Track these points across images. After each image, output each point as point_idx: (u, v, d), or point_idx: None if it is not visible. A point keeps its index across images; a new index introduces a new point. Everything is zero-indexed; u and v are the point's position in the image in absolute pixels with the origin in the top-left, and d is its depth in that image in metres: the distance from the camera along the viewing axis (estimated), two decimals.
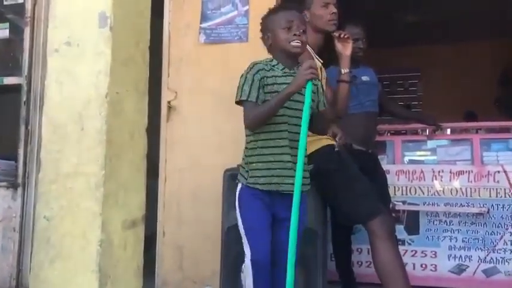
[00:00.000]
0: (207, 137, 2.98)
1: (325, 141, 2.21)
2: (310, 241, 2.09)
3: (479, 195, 3.12)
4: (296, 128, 1.79)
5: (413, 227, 3.21)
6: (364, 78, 2.86)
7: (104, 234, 1.74)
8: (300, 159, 1.70)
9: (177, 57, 3.09)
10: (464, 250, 3.11)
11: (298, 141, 1.74)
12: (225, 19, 3.01)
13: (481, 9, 5.23)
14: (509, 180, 3.08)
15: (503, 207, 3.08)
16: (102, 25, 1.85)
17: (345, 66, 2.25)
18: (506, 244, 3.06)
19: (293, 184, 1.74)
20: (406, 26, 5.82)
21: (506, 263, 3.04)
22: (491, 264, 3.07)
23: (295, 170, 1.73)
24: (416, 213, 3.22)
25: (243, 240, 1.88)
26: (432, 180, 3.21)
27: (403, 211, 3.22)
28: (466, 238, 3.12)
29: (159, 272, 2.98)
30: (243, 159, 1.94)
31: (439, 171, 3.20)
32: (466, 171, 3.16)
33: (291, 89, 1.77)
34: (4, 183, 2.93)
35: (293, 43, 1.87)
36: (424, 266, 3.16)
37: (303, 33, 1.88)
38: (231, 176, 2.35)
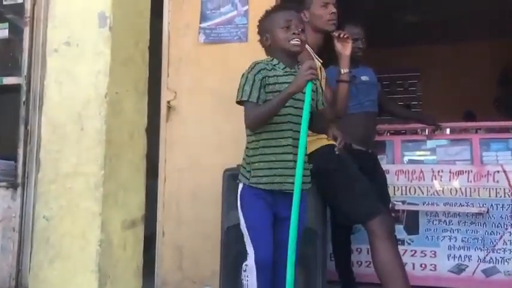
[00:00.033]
0: (207, 137, 2.98)
1: (325, 141, 2.21)
2: (310, 241, 2.09)
3: (478, 195, 3.12)
4: (299, 127, 1.79)
5: (412, 227, 3.21)
6: (364, 78, 2.86)
7: (103, 234, 1.74)
8: (300, 158, 1.70)
9: (177, 57, 3.09)
10: (464, 250, 3.12)
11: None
12: (225, 19, 3.01)
13: (480, 9, 5.23)
14: (508, 180, 3.08)
15: (502, 207, 3.08)
16: (101, 25, 1.84)
17: (345, 66, 2.26)
18: (506, 244, 3.06)
19: (302, 183, 1.77)
20: (406, 26, 5.83)
21: (506, 263, 3.04)
22: (491, 264, 3.07)
23: (305, 169, 1.78)
24: (416, 213, 3.22)
25: (245, 240, 1.88)
26: (432, 180, 3.21)
27: (403, 211, 3.23)
28: (465, 238, 3.13)
29: (158, 272, 2.98)
30: (243, 159, 1.94)
31: (438, 171, 3.20)
32: (466, 171, 3.16)
33: (292, 89, 1.78)
34: (4, 183, 2.93)
35: (293, 42, 1.87)
36: (423, 265, 3.16)
37: (301, 32, 1.89)
38: (230, 176, 2.35)
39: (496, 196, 3.09)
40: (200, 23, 3.06)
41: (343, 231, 2.89)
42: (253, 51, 2.08)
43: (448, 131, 3.70)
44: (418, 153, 3.41)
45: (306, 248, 2.02)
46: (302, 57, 2.04)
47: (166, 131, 3.06)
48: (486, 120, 3.86)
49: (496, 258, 3.06)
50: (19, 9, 3.06)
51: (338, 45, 2.26)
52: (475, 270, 3.09)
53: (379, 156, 3.03)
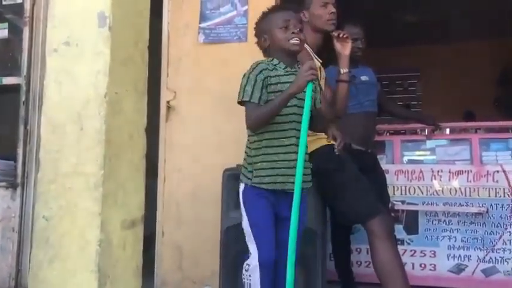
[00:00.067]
0: (206, 137, 2.98)
1: (324, 141, 2.21)
2: (309, 241, 2.09)
3: (478, 195, 3.12)
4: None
5: (412, 227, 3.21)
6: (363, 78, 2.86)
7: (103, 234, 1.74)
8: (300, 157, 1.70)
9: (176, 57, 3.09)
10: (464, 250, 3.12)
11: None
12: (224, 19, 3.01)
13: (480, 9, 5.23)
14: (508, 180, 3.08)
15: (502, 206, 3.08)
16: (101, 25, 1.84)
17: (344, 66, 2.26)
18: (505, 244, 3.06)
19: (303, 182, 1.78)
20: (405, 26, 5.83)
21: (505, 263, 3.04)
22: (490, 264, 3.07)
23: (306, 168, 1.80)
24: (416, 213, 3.22)
25: (247, 239, 1.88)
26: (431, 180, 3.21)
27: (402, 211, 3.23)
28: (465, 238, 3.13)
29: (158, 272, 2.98)
30: (245, 159, 1.93)
31: (438, 171, 3.20)
32: (465, 171, 3.16)
33: (292, 90, 1.78)
34: (3, 183, 2.93)
35: (292, 41, 1.88)
36: (423, 265, 3.16)
37: (300, 32, 1.90)
38: (230, 176, 2.35)
39: (496, 196, 3.10)
40: (200, 23, 3.06)
41: (342, 231, 2.89)
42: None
43: (447, 130, 3.70)
44: (417, 153, 3.41)
45: (306, 248, 2.02)
46: (301, 57, 2.04)
47: (165, 131, 3.06)
48: (486, 120, 3.86)
49: (495, 258, 3.06)
50: (18, 9, 3.06)
51: (337, 45, 2.26)
52: (474, 270, 3.09)
53: (378, 156, 3.03)
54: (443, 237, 3.16)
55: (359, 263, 3.20)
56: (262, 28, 1.97)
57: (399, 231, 3.14)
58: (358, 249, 3.19)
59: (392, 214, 3.10)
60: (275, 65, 1.90)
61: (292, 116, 1.84)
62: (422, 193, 3.21)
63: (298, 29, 1.89)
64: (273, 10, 1.98)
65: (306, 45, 2.25)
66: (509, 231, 3.06)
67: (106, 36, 1.83)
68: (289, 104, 1.83)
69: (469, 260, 3.10)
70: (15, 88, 2.99)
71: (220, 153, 2.85)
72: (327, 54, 2.42)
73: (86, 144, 1.78)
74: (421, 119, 3.56)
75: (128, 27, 1.95)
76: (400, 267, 2.11)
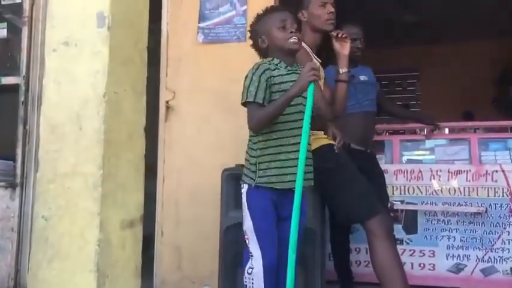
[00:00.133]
0: (205, 137, 2.98)
1: (324, 140, 2.22)
2: (309, 240, 2.09)
3: (477, 195, 3.12)
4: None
5: (411, 227, 3.21)
6: (362, 77, 2.86)
7: (102, 234, 1.74)
8: (301, 158, 1.70)
9: (175, 57, 3.09)
10: (463, 249, 3.12)
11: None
12: (223, 19, 3.01)
13: (479, 9, 5.23)
14: (507, 180, 3.08)
15: (501, 206, 3.09)
16: (100, 25, 1.84)
17: (343, 65, 2.26)
18: (504, 243, 3.06)
19: (306, 180, 1.82)
20: (405, 26, 5.83)
21: (504, 262, 3.05)
22: (489, 264, 3.07)
23: (309, 165, 1.83)
24: (415, 212, 3.22)
25: (249, 242, 1.87)
26: (430, 180, 3.21)
27: (402, 210, 3.23)
28: (464, 237, 3.13)
29: (157, 271, 2.98)
30: (247, 160, 1.92)
31: (437, 171, 3.21)
32: (464, 171, 3.16)
33: (294, 91, 1.78)
34: (2, 183, 2.93)
35: (291, 40, 1.89)
36: (422, 265, 3.16)
37: (297, 31, 1.91)
38: (229, 176, 2.35)
39: (495, 196, 3.10)
40: (199, 23, 3.06)
41: (342, 231, 2.89)
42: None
43: (446, 130, 3.71)
44: (416, 152, 3.41)
45: (305, 248, 2.02)
46: (300, 57, 2.04)
47: (165, 131, 3.06)
48: (485, 119, 3.87)
49: (494, 257, 3.07)
50: (17, 9, 3.06)
51: (336, 45, 2.26)
52: (473, 270, 3.09)
53: (377, 156, 3.03)
54: (443, 236, 3.16)
55: (358, 262, 3.20)
56: (258, 30, 1.97)
57: (398, 230, 3.14)
58: (358, 249, 3.19)
59: (392, 214, 3.10)
60: (276, 65, 1.90)
61: (298, 115, 1.84)
62: (422, 193, 3.22)
63: (294, 28, 1.91)
64: (268, 11, 1.99)
65: (305, 45, 2.26)
66: (508, 231, 3.07)
67: (105, 36, 1.83)
68: (294, 103, 1.83)
69: (468, 260, 3.10)
70: (14, 88, 3.00)
71: (219, 153, 2.85)
72: (326, 54, 2.42)
73: (85, 144, 1.79)
74: (420, 118, 3.56)
75: (127, 27, 1.95)
76: (399, 267, 2.11)
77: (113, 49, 1.84)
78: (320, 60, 2.34)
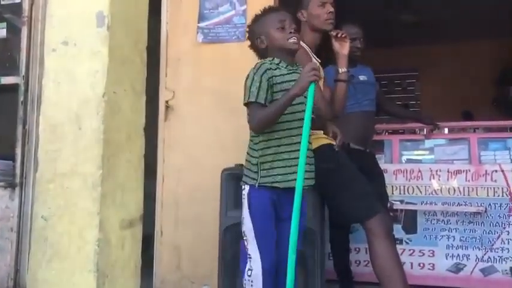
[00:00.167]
0: (205, 137, 2.98)
1: (324, 140, 2.22)
2: (308, 240, 2.09)
3: (476, 195, 3.12)
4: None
5: (411, 226, 3.21)
6: (362, 77, 2.86)
7: (101, 233, 1.74)
8: (302, 158, 1.70)
9: (175, 56, 3.09)
10: (462, 249, 3.12)
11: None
12: (223, 18, 3.01)
13: (479, 9, 5.23)
14: (506, 180, 3.08)
15: (500, 206, 3.09)
16: (99, 25, 1.84)
17: (343, 65, 2.26)
18: (504, 243, 3.06)
19: (308, 179, 1.84)
20: (404, 26, 5.83)
21: (504, 262, 3.05)
22: (489, 263, 3.07)
23: (310, 164, 1.86)
24: (414, 212, 3.22)
25: (248, 243, 1.86)
26: (430, 180, 3.21)
27: (401, 210, 3.23)
28: (463, 237, 3.13)
29: (157, 271, 2.98)
30: (248, 160, 1.91)
31: (436, 171, 3.21)
32: (464, 171, 3.16)
33: (295, 91, 1.77)
34: (2, 183, 2.93)
35: (291, 40, 1.90)
36: (421, 265, 3.16)
37: (296, 31, 1.92)
38: (229, 176, 2.35)
39: (494, 195, 3.10)
40: (198, 23, 3.06)
41: (341, 231, 2.90)
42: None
43: (446, 130, 3.71)
44: (416, 152, 3.41)
45: (305, 248, 2.02)
46: (299, 57, 2.04)
47: (164, 131, 3.06)
48: (484, 119, 3.86)
49: (494, 257, 3.07)
50: (17, 8, 3.06)
51: (336, 45, 2.26)
52: (473, 270, 3.09)
53: (377, 156, 3.04)
54: (442, 236, 3.16)
55: (358, 262, 3.20)
56: (257, 30, 1.97)
57: (398, 230, 3.14)
58: (357, 249, 3.19)
59: (391, 213, 3.10)
60: (277, 64, 1.91)
61: (300, 114, 1.83)
62: (421, 192, 3.21)
63: (293, 28, 1.91)
64: (266, 12, 1.99)
65: (304, 45, 2.26)
66: (508, 231, 3.07)
67: (104, 36, 1.83)
68: (295, 103, 1.83)
69: (467, 260, 3.11)
70: (14, 88, 3.00)
71: (219, 153, 2.85)
72: (326, 54, 2.42)
73: (84, 144, 1.79)
74: (420, 118, 3.56)
75: (127, 27, 1.95)
76: (399, 267, 2.11)
77: (112, 49, 1.84)
78: (319, 60, 2.34)
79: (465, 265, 3.11)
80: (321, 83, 2.24)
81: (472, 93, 6.07)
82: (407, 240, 3.20)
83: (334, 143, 2.19)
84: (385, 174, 2.95)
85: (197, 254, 2.88)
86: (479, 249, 3.09)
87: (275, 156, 1.85)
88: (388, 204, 2.95)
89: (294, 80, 1.82)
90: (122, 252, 1.84)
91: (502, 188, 3.09)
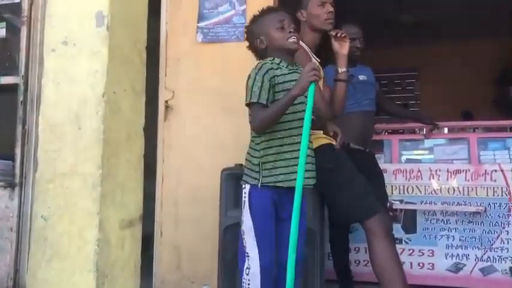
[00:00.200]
0: (205, 137, 2.98)
1: (323, 139, 2.22)
2: (308, 240, 2.09)
3: (476, 194, 3.12)
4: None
5: (410, 226, 3.22)
6: (362, 77, 2.86)
7: (101, 233, 1.74)
8: (302, 158, 1.70)
9: (174, 56, 3.09)
10: (462, 249, 3.12)
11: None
12: (222, 18, 3.01)
13: (479, 9, 5.23)
14: (506, 179, 3.09)
15: (500, 206, 3.09)
16: (99, 24, 1.84)
17: (342, 65, 2.26)
18: (503, 243, 3.07)
19: (309, 178, 1.84)
20: (404, 26, 5.83)
21: (503, 262, 3.05)
22: (488, 263, 3.08)
23: (312, 164, 1.87)
24: (414, 212, 3.22)
25: (247, 242, 1.86)
26: (429, 179, 3.21)
27: (401, 210, 3.23)
28: (463, 237, 3.13)
29: (156, 271, 2.98)
30: (248, 160, 1.91)
31: (436, 170, 3.21)
32: (463, 170, 3.16)
33: (295, 91, 1.77)
34: (1, 183, 2.93)
35: (291, 40, 1.90)
36: (421, 264, 3.16)
37: (295, 30, 1.92)
38: (228, 176, 2.35)
39: (494, 195, 3.10)
40: (198, 23, 3.06)
41: (341, 230, 2.90)
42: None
43: (445, 130, 3.70)
44: (415, 152, 3.42)
45: (305, 248, 2.02)
46: (298, 57, 2.04)
47: (164, 131, 3.06)
48: (484, 119, 3.86)
49: (493, 257, 3.07)
50: (16, 8, 3.06)
51: (335, 45, 2.26)
52: (472, 269, 3.09)
53: (376, 156, 3.04)
54: (442, 236, 3.16)
55: (357, 262, 3.20)
56: (256, 31, 1.97)
57: (397, 230, 3.14)
58: (357, 248, 3.20)
59: (391, 213, 3.10)
60: (278, 64, 1.91)
61: (301, 114, 1.83)
62: (421, 192, 3.22)
63: (293, 28, 1.91)
64: (265, 12, 1.99)
65: (304, 45, 2.26)
66: (507, 230, 3.07)
67: (104, 36, 1.83)
68: (297, 102, 1.83)
69: (467, 259, 3.11)
70: (13, 88, 2.99)
71: (219, 153, 2.85)
72: (325, 54, 2.42)
73: (84, 144, 1.79)
74: (419, 118, 3.56)
75: (126, 26, 1.95)
76: (398, 266, 2.11)
77: (112, 49, 1.84)
78: (319, 60, 2.34)
79: (465, 265, 3.11)
80: (320, 83, 2.24)
81: (472, 93, 6.07)
82: (407, 240, 3.20)
83: (334, 142, 2.19)
84: (384, 174, 2.95)
85: (197, 254, 2.88)
86: (478, 249, 3.10)
87: (277, 156, 1.85)
88: (388, 204, 2.95)
89: (295, 80, 1.82)
90: (121, 252, 1.84)
91: (502, 188, 3.09)
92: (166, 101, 3.05)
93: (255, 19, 1.99)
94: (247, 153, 1.93)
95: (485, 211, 3.08)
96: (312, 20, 2.32)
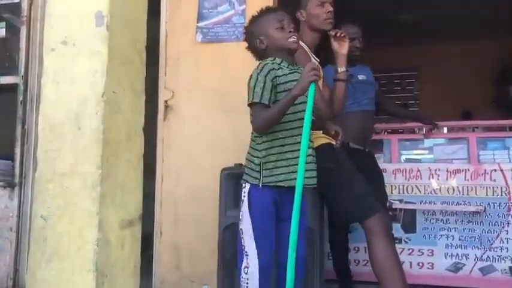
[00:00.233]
0: (204, 136, 2.98)
1: (323, 139, 2.22)
2: (308, 240, 2.09)
3: (475, 194, 3.12)
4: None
5: (410, 226, 3.22)
6: (361, 77, 2.86)
7: (100, 233, 1.74)
8: (302, 158, 1.70)
9: (174, 56, 3.09)
10: (461, 248, 3.12)
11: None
12: (222, 18, 3.01)
13: (479, 9, 5.23)
14: (505, 179, 3.09)
15: (499, 205, 3.09)
16: (98, 24, 1.85)
17: (342, 64, 2.26)
18: (503, 242, 3.07)
19: (310, 178, 1.85)
20: (404, 25, 5.83)
21: (503, 261, 3.05)
22: (488, 263, 3.08)
23: (313, 163, 1.88)
24: (413, 211, 3.22)
25: (245, 241, 1.86)
26: (429, 179, 3.21)
27: (400, 210, 3.23)
28: (462, 236, 3.13)
29: (156, 271, 2.98)
30: (249, 160, 1.91)
31: (435, 170, 3.21)
32: (463, 170, 3.17)
33: (296, 91, 1.77)
34: (1, 183, 2.93)
35: (291, 39, 1.90)
36: (421, 264, 3.17)
37: (294, 30, 1.92)
38: (228, 175, 2.35)
39: (493, 195, 3.10)
40: (197, 22, 3.06)
41: (340, 230, 2.90)
42: None
43: (445, 129, 3.70)
44: (415, 152, 3.42)
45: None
46: (298, 56, 2.04)
47: (163, 131, 3.06)
48: (483, 119, 3.86)
49: (493, 256, 3.07)
50: (16, 8, 3.05)
51: (335, 44, 2.26)
52: (472, 269, 3.09)
53: (376, 155, 3.04)
54: (441, 236, 3.16)
55: (357, 261, 3.20)
56: (255, 31, 1.97)
57: (397, 230, 3.14)
58: (356, 248, 3.20)
59: (390, 213, 3.10)
60: (279, 64, 1.91)
61: (302, 114, 1.82)
62: (420, 192, 3.22)
63: (292, 28, 1.92)
64: (264, 12, 1.99)
65: (303, 45, 2.26)
66: (507, 230, 3.07)
67: (104, 36, 1.83)
68: (297, 102, 1.83)
69: (466, 259, 3.11)
70: (13, 88, 2.99)
71: (218, 153, 2.85)
72: (325, 54, 2.42)
73: (84, 144, 1.79)
74: (419, 118, 3.56)
75: (126, 26, 1.95)
76: (398, 266, 2.11)
77: (111, 48, 1.84)
78: (318, 60, 2.34)
79: (464, 264, 3.11)
80: (320, 82, 2.24)
81: (472, 93, 6.07)
82: (407, 240, 3.20)
83: (333, 142, 2.19)
84: (384, 174, 2.96)
85: (197, 254, 2.88)
86: (478, 249, 3.10)
87: (278, 156, 1.85)
88: (387, 204, 2.95)
89: (296, 80, 1.82)
90: (121, 252, 1.84)
91: (501, 188, 3.09)
92: (166, 101, 3.05)
93: (254, 19, 1.99)
94: (248, 153, 1.93)
95: (484, 211, 3.08)
96: (312, 20, 2.32)
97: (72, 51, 1.86)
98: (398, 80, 7.25)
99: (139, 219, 1.97)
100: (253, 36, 1.97)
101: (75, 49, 1.86)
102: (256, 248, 1.83)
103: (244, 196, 1.89)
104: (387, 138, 3.51)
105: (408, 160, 3.38)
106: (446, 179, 3.19)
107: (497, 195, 3.09)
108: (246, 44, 2.05)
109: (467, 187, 3.15)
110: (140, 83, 2.03)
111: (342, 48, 2.25)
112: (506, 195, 3.08)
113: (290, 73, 1.90)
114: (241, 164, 2.36)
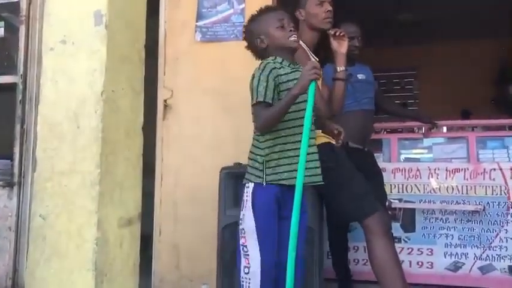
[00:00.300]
0: (203, 135, 2.98)
1: (322, 139, 2.21)
2: (307, 239, 2.09)
3: (475, 193, 3.12)
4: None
5: (409, 225, 3.22)
6: (360, 76, 2.86)
7: (99, 232, 1.74)
8: (302, 157, 1.70)
9: (173, 55, 3.09)
10: (460, 247, 3.12)
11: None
12: (221, 17, 3.00)
13: (479, 9, 5.23)
14: (504, 178, 3.09)
15: (498, 204, 3.09)
16: (97, 23, 1.85)
17: (341, 64, 2.25)
18: (502, 241, 3.07)
19: (312, 176, 1.85)
20: (403, 25, 5.83)
21: (502, 260, 3.05)
22: (487, 262, 3.08)
23: (316, 161, 1.87)
24: (413, 211, 3.22)
25: (248, 240, 1.85)
26: (428, 178, 3.21)
27: (400, 209, 3.23)
28: (462, 235, 3.13)
29: (155, 270, 2.98)
30: (252, 159, 1.90)
31: (435, 169, 3.21)
32: (462, 169, 3.17)
33: (296, 90, 1.77)
34: (0, 182, 2.93)
35: (291, 38, 1.90)
36: (420, 263, 3.17)
37: (294, 29, 1.93)
38: (227, 175, 2.35)
39: (492, 194, 3.10)
40: (197, 22, 3.05)
41: (340, 229, 2.90)
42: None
43: (444, 129, 3.70)
44: (414, 151, 3.42)
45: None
46: (298, 56, 2.04)
47: (162, 130, 3.06)
48: (482, 118, 3.86)
49: (492, 255, 3.07)
50: (15, 7, 3.05)
51: (334, 43, 2.26)
52: (471, 268, 3.09)
53: (375, 154, 3.04)
54: (440, 235, 3.16)
55: (356, 261, 3.20)
56: (256, 30, 1.97)
57: (396, 229, 3.14)
58: (356, 247, 3.20)
59: (390, 212, 3.10)
60: (281, 63, 1.91)
61: (303, 112, 1.81)
62: (419, 191, 3.22)
63: (292, 27, 1.92)
64: (263, 12, 1.99)
65: (303, 44, 2.26)
66: (506, 229, 3.07)
67: (102, 35, 1.83)
68: (298, 101, 1.82)
69: (466, 258, 3.11)
70: (12, 87, 2.99)
71: (218, 152, 2.85)
72: (324, 53, 2.42)
73: (83, 143, 1.79)
74: (418, 117, 3.56)
75: (125, 25, 1.95)
76: (397, 265, 2.11)
77: (110, 48, 1.84)
78: (317, 59, 2.34)
79: (463, 263, 3.11)
80: (319, 82, 2.24)
81: (471, 92, 6.07)
82: (406, 239, 3.20)
83: (333, 141, 2.19)
84: (383, 173, 2.95)
85: (196, 253, 2.88)
86: (477, 248, 3.10)
87: (281, 154, 1.85)
88: (387, 203, 2.95)
89: (297, 79, 1.82)
90: (120, 250, 1.84)
91: (500, 187, 3.09)
92: (165, 100, 3.05)
93: (254, 18, 1.99)
94: (251, 151, 1.93)
95: (484, 210, 3.08)
96: (311, 19, 2.32)
97: (71, 50, 1.86)
98: (398, 79, 7.25)
99: (138, 218, 1.97)
100: (253, 35, 1.97)
101: (74, 48, 1.86)
102: (259, 248, 1.83)
103: (247, 195, 1.88)
104: (386, 137, 3.51)
105: (407, 159, 3.38)
106: (446, 178, 3.19)
107: (497, 194, 3.10)
108: (245, 43, 2.05)
109: (467, 186, 3.15)
110: (139, 82, 2.03)
111: (341, 47, 2.25)
112: (505, 194, 3.08)
113: (291, 72, 1.90)
114: (240, 163, 2.36)
